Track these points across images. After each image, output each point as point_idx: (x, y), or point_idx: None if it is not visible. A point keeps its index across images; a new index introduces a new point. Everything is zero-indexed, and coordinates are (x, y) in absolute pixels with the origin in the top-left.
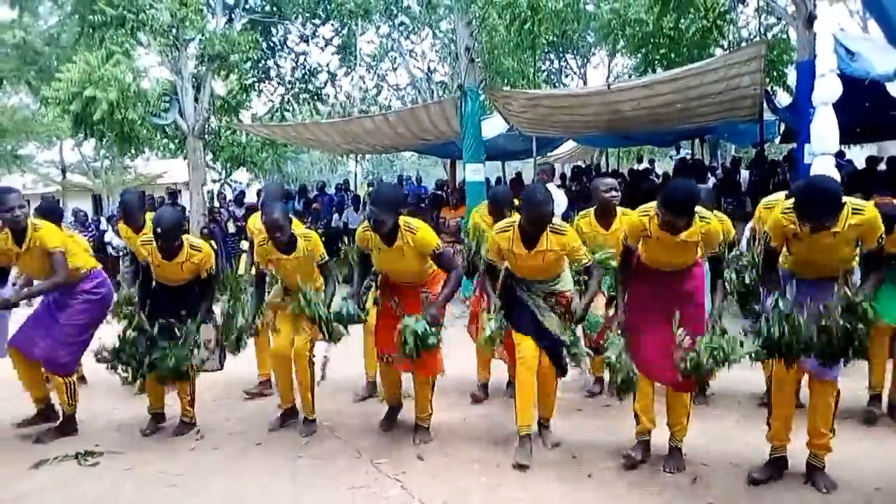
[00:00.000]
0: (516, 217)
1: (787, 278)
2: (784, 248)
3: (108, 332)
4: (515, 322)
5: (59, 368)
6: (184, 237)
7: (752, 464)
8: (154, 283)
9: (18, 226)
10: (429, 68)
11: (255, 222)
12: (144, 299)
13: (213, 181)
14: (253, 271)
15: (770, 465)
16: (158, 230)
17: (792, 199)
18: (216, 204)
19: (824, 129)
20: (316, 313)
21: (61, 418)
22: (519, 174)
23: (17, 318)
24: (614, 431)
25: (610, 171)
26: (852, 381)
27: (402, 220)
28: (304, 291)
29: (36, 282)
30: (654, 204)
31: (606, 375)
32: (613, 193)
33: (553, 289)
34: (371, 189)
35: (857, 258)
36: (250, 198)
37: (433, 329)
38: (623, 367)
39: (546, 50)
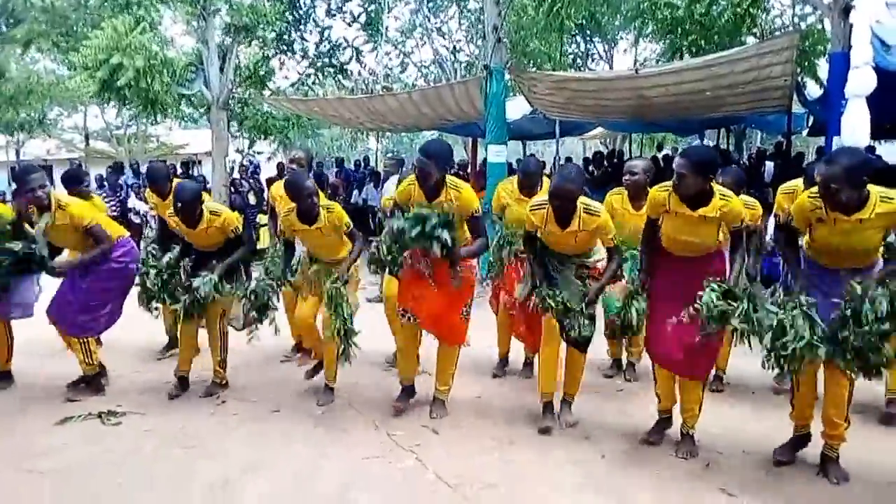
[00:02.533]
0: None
1: (807, 267)
2: (807, 236)
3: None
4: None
5: (75, 330)
6: (204, 206)
7: (765, 453)
8: (192, 250)
9: (42, 204)
10: (455, 47)
11: (279, 190)
12: (185, 253)
13: (237, 151)
14: (278, 240)
15: (794, 443)
16: (178, 203)
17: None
18: (237, 175)
19: (856, 122)
20: (335, 326)
21: (84, 378)
22: (533, 155)
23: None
24: (628, 414)
25: (632, 157)
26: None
27: (449, 178)
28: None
29: (66, 253)
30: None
31: (624, 358)
32: (629, 178)
33: (585, 262)
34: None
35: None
36: (270, 171)
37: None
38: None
39: (573, 32)
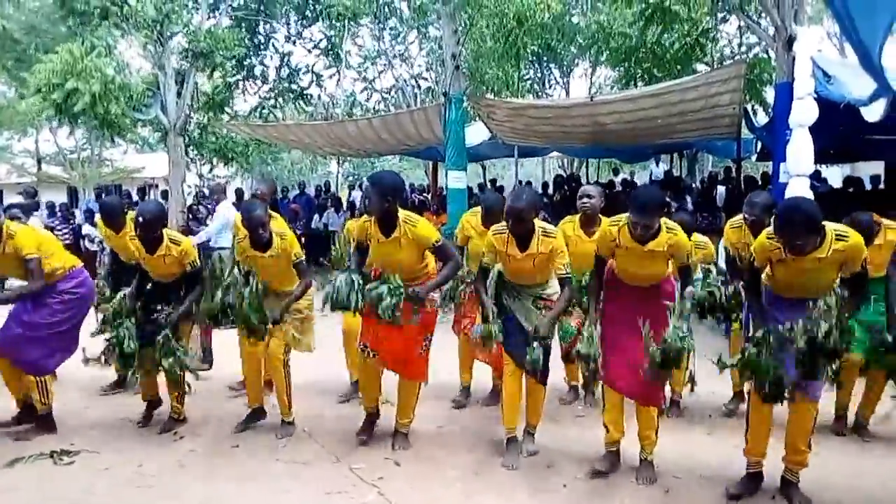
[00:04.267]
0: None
1: (768, 297)
2: (768, 270)
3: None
4: (505, 340)
5: (31, 367)
6: (165, 231)
7: (723, 476)
8: (149, 280)
9: None
10: (418, 73)
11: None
12: (139, 291)
13: (198, 175)
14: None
15: (747, 480)
16: (140, 219)
17: (776, 226)
18: (195, 202)
19: (800, 151)
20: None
21: (37, 417)
22: (493, 181)
23: None
24: (588, 442)
25: (589, 181)
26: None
27: (403, 213)
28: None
29: (12, 281)
30: (624, 215)
31: (580, 383)
32: (586, 201)
33: (541, 294)
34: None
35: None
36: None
37: (411, 292)
38: (595, 355)
39: (531, 59)
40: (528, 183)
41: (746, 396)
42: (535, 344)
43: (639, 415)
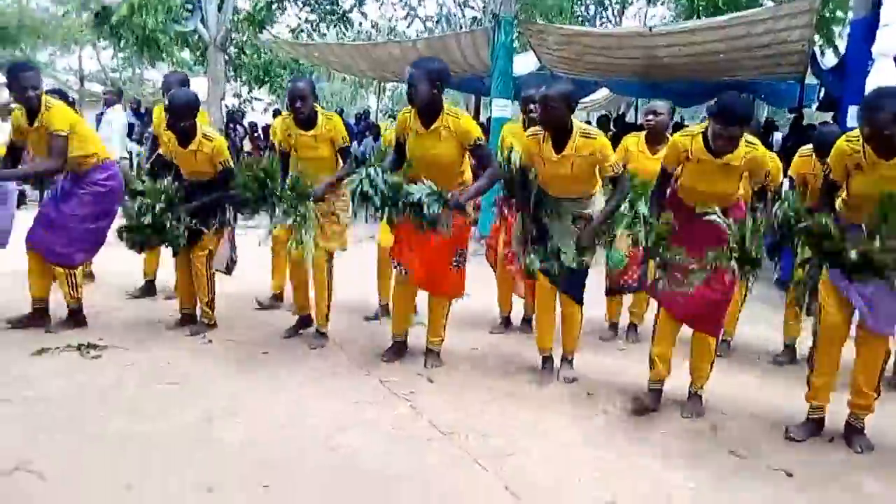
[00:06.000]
0: None
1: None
2: (844, 193)
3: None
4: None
5: (57, 258)
6: (199, 126)
7: (771, 415)
8: (183, 181)
9: (31, 105)
10: (463, 0)
11: (278, 123)
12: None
13: (235, 96)
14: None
15: (809, 425)
16: (169, 105)
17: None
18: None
19: (884, 82)
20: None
21: (67, 313)
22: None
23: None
24: (629, 374)
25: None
26: None
27: (447, 105)
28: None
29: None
30: (696, 127)
31: (623, 320)
32: (651, 118)
33: (583, 212)
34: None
35: None
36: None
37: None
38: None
39: None
40: None
41: (810, 344)
42: (571, 246)
43: (694, 345)
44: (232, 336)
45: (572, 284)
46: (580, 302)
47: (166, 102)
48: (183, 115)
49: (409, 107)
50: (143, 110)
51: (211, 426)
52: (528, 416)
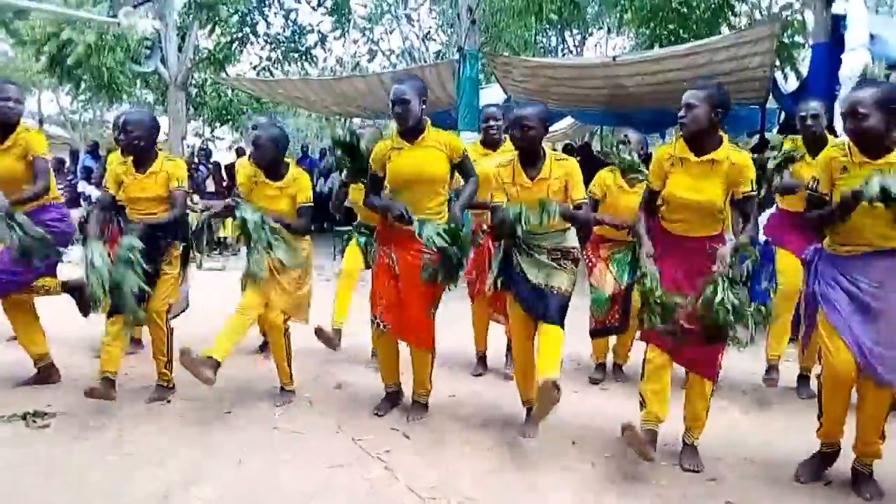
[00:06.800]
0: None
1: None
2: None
3: None
4: (513, 290)
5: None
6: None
7: (768, 461)
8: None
9: (8, 119)
10: (426, 34)
11: (242, 165)
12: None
13: (196, 135)
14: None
15: (819, 460)
16: (121, 121)
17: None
18: (196, 160)
19: None
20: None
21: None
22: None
23: None
24: (613, 416)
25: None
26: None
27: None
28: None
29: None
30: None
31: (609, 359)
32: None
33: (560, 243)
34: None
35: None
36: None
37: (455, 227)
38: (657, 289)
39: (550, 17)
40: None
41: (817, 380)
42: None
43: (690, 390)
44: (193, 394)
45: (549, 308)
46: (561, 325)
47: (120, 121)
48: (138, 135)
49: (383, 140)
50: (101, 153)
51: (168, 502)
52: (512, 473)
